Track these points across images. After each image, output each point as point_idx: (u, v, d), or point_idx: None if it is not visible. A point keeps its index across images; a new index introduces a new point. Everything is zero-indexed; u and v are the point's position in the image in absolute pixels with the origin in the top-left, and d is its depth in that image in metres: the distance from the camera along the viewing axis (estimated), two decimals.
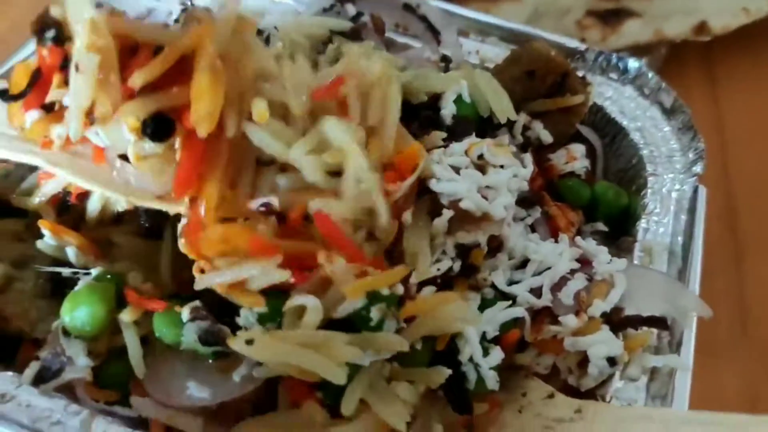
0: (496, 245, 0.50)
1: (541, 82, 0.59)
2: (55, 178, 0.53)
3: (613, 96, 0.63)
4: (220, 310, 0.42)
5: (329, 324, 0.42)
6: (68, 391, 0.46)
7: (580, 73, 0.61)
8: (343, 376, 0.41)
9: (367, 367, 0.42)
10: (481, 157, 0.51)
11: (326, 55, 0.58)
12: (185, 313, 0.42)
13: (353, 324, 0.43)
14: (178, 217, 0.47)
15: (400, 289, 0.44)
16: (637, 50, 0.79)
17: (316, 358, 0.41)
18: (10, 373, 0.45)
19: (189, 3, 0.66)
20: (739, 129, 0.80)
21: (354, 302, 0.42)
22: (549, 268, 0.49)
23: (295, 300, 0.42)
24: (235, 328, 0.42)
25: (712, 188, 0.58)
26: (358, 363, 0.41)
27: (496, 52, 0.65)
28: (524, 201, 0.54)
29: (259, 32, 0.60)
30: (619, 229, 0.58)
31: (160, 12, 0.64)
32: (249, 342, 0.39)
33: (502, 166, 0.51)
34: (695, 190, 0.56)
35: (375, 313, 0.42)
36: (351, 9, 0.63)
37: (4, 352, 0.50)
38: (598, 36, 0.77)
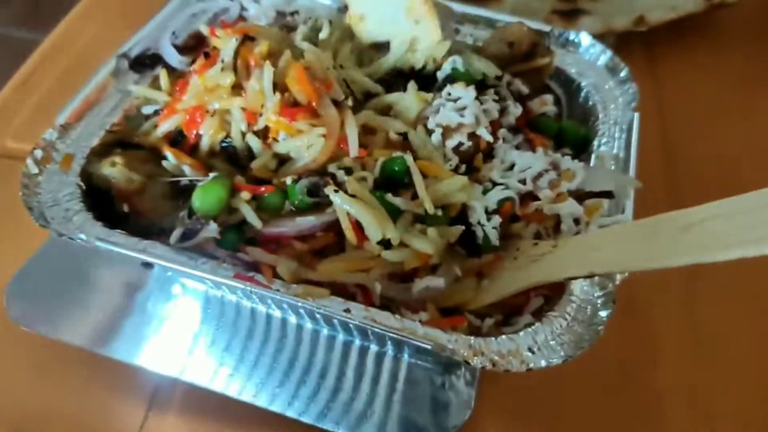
0: (485, 148, 0.71)
1: (518, 50, 0.81)
2: (170, 119, 0.74)
3: (571, 62, 0.86)
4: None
5: None
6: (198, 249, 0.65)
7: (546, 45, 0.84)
8: (392, 230, 0.61)
9: (404, 218, 0.63)
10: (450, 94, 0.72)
11: None
12: (290, 180, 0.63)
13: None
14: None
15: None
16: None
17: (372, 217, 0.61)
18: (156, 242, 0.65)
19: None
20: (675, 103, 1.02)
21: None
22: (530, 168, 0.71)
23: None
24: None
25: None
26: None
27: (485, 35, 0.87)
28: (510, 129, 0.76)
29: (292, 14, 0.82)
30: (580, 151, 0.79)
31: (234, 10, 0.86)
32: (336, 191, 0.60)
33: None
34: (632, 118, 0.77)
35: None
36: None
37: None
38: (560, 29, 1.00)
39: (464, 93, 0.70)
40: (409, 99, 0.73)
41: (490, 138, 0.71)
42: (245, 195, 0.65)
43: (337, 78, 0.70)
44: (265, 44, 0.69)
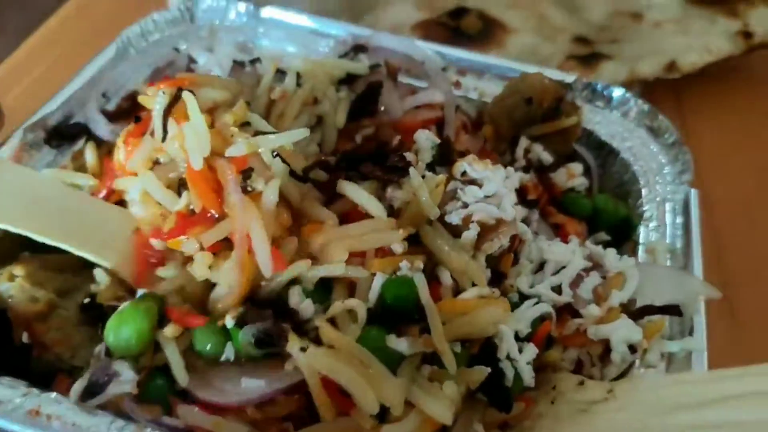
0: (516, 247, 0.53)
1: (538, 107, 0.64)
2: None
3: (601, 121, 0.69)
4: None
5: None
6: (112, 407, 0.47)
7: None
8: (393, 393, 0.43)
9: (409, 364, 0.45)
10: (464, 174, 0.54)
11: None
12: (230, 320, 0.44)
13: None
14: None
15: None
16: None
17: (364, 379, 0.42)
18: (53, 394, 0.46)
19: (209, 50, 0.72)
20: (709, 159, 0.86)
21: None
22: (564, 267, 0.53)
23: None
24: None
25: None
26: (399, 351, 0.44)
27: (492, 88, 0.71)
28: (522, 204, 0.58)
29: (279, 71, 0.65)
30: (620, 238, 0.62)
31: (181, 61, 0.69)
32: (303, 349, 0.42)
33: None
34: (687, 196, 0.60)
35: None
36: (364, 59, 0.69)
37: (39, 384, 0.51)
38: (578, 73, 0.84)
39: (490, 172, 0.52)
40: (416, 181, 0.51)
41: (530, 235, 0.54)
42: (171, 331, 0.47)
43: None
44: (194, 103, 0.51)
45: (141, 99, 0.55)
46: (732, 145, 0.89)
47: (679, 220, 0.59)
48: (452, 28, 0.88)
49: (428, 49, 0.72)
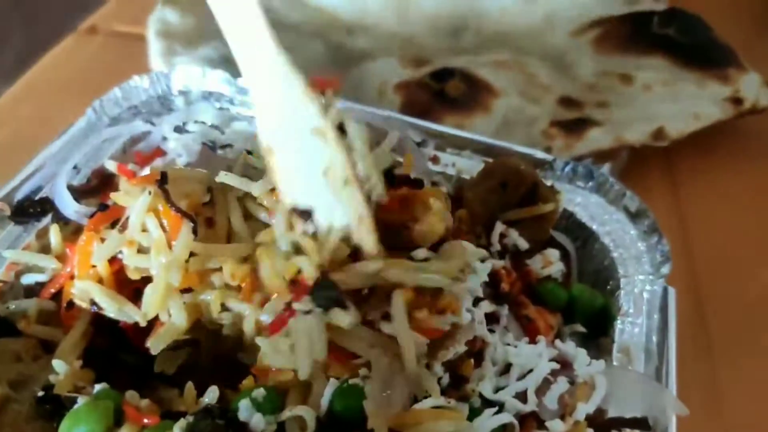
0: (478, 349, 0.52)
1: (514, 192, 0.63)
2: None
3: (582, 202, 0.68)
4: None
5: None
6: None
7: (548, 182, 0.66)
8: None
9: None
10: None
11: None
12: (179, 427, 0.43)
13: None
14: None
15: None
16: (600, 155, 0.84)
17: None
18: None
19: (182, 125, 0.71)
20: (701, 226, 0.84)
21: None
22: (531, 371, 0.52)
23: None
24: None
25: (678, 283, 0.61)
26: None
27: (471, 164, 0.69)
28: (492, 299, 0.56)
29: (249, 152, 0.64)
30: (596, 330, 0.60)
31: (155, 135, 0.68)
32: None
33: None
34: (665, 291, 0.59)
35: None
36: None
37: None
38: (563, 144, 0.83)
39: None
40: None
41: (490, 338, 0.52)
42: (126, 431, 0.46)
43: None
44: None
45: (114, 197, 0.53)
46: (723, 207, 0.88)
47: (657, 316, 0.58)
48: (436, 91, 0.87)
49: (408, 122, 0.71)
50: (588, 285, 0.64)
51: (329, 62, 1.00)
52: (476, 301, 0.53)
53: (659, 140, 0.85)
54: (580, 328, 0.60)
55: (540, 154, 0.69)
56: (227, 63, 0.86)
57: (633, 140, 0.85)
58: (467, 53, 1.03)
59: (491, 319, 0.54)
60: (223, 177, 0.53)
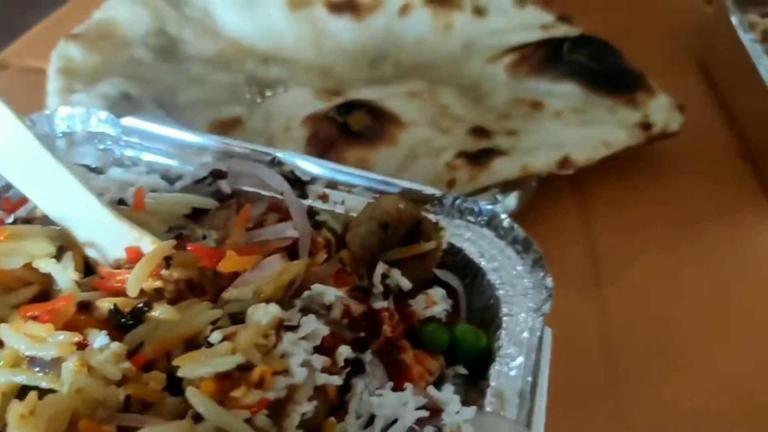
0: (342, 402, 0.50)
1: (394, 232, 0.61)
2: None
3: (471, 237, 0.66)
4: None
5: None
6: None
7: (435, 218, 0.65)
8: None
9: None
10: None
11: None
12: None
13: None
14: None
15: None
16: (508, 185, 0.84)
17: None
18: None
19: None
20: (612, 255, 0.84)
21: None
22: (396, 422, 0.50)
23: None
24: None
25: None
26: None
27: (361, 201, 0.68)
28: (354, 344, 0.54)
29: (122, 202, 0.62)
30: (479, 372, 0.58)
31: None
32: None
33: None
34: (543, 331, 0.57)
35: None
36: (225, 185, 0.66)
37: None
38: (467, 175, 0.82)
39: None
40: None
41: (338, 381, 0.50)
42: None
43: None
44: None
45: None
46: (634, 236, 0.87)
47: (534, 357, 0.56)
48: (341, 123, 0.86)
49: (296, 162, 0.69)
50: (475, 323, 0.62)
51: (242, 93, 0.99)
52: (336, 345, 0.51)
53: (565, 168, 0.84)
54: (462, 371, 0.58)
55: (430, 190, 0.68)
56: (127, 100, 0.84)
57: (539, 169, 0.84)
58: (384, 84, 1.02)
59: (357, 365, 0.52)
60: None
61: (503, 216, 0.66)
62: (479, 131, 0.90)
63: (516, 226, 0.65)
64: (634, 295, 0.79)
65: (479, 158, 0.83)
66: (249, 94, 0.98)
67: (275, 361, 0.45)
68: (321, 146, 0.84)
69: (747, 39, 0.94)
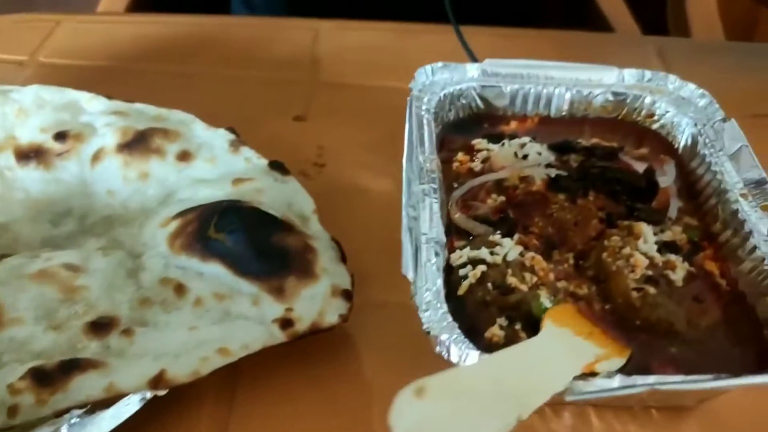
0: None
1: None
2: None
3: None
4: None
5: None
6: None
7: None
8: None
9: None
10: None
11: None
12: None
13: None
14: None
15: None
16: (98, 404, 0.71)
17: None
18: None
19: None
20: None
21: None
22: None
23: None
24: None
25: None
26: None
27: None
28: None
29: None
30: None
31: None
32: None
33: None
34: None
35: None
36: None
37: None
38: (34, 399, 0.70)
39: None
40: None
41: None
42: None
43: None
44: None
45: None
46: None
47: None
48: None
49: None
50: None
51: None
52: None
53: (159, 387, 0.71)
54: None
55: None
56: None
57: (127, 388, 0.71)
58: (57, 246, 0.91)
59: None
60: None
61: None
62: (98, 327, 0.77)
63: None
64: None
65: (54, 375, 0.71)
66: None
67: None
68: None
69: None
